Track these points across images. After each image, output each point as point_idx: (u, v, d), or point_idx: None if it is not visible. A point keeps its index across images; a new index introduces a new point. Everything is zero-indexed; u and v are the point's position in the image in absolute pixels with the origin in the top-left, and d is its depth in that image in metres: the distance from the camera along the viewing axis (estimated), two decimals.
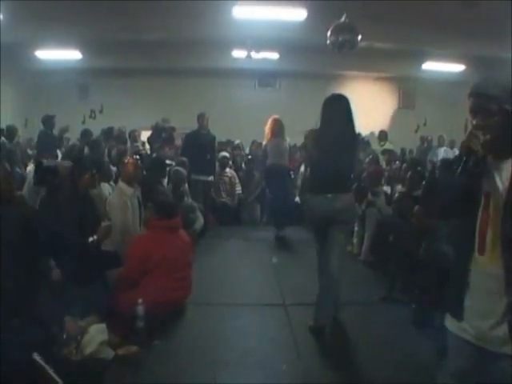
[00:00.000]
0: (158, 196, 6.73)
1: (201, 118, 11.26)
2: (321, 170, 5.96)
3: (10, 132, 12.39)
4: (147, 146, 13.56)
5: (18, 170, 9.26)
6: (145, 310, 5.28)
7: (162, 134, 13.04)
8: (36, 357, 3.81)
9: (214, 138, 11.48)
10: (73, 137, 13.85)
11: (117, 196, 6.95)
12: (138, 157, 7.72)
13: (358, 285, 7.50)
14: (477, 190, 3.13)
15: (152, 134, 13.65)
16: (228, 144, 15.20)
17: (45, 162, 6.64)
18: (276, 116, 10.16)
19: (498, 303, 2.97)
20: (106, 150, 11.09)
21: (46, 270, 5.23)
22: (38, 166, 6.46)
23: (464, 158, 3.16)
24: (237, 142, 15.43)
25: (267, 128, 10.03)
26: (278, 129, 10.15)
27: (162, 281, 5.67)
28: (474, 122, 3.11)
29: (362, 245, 8.97)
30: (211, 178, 11.17)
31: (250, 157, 13.60)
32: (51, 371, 3.81)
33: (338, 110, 6.15)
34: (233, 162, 13.32)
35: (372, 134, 15.52)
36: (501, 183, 3.05)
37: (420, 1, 10.77)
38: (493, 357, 2.99)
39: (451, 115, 18.38)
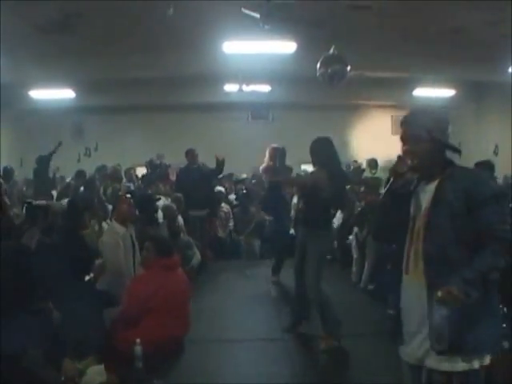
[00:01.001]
0: (155, 235, 6.71)
1: (189, 153, 11.30)
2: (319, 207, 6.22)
3: (7, 174, 12.45)
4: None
5: (14, 210, 9.26)
6: (143, 349, 5.25)
7: (156, 171, 13.08)
8: None
9: (209, 170, 11.48)
10: (68, 175, 13.88)
11: (109, 235, 6.93)
12: (129, 195, 7.70)
13: (357, 314, 7.51)
14: (406, 213, 3.41)
15: (146, 172, 13.69)
16: (229, 178, 15.26)
17: (34, 202, 6.63)
18: (274, 144, 10.13)
19: (423, 321, 3.19)
20: (102, 189, 11.12)
21: (47, 311, 5.20)
22: (28, 207, 6.44)
23: (391, 180, 3.43)
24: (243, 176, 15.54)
25: (266, 158, 10.02)
26: (280, 157, 10.07)
27: (161, 319, 5.65)
28: (404, 148, 3.42)
29: (362, 273, 8.99)
30: (206, 211, 11.11)
31: (245, 191, 13.61)
32: None
33: (335, 152, 6.51)
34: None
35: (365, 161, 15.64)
36: (424, 205, 3.31)
37: (407, 28, 10.87)
38: (428, 372, 3.23)
39: None
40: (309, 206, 6.57)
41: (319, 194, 6.23)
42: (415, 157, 3.37)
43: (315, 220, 6.41)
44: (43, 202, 6.75)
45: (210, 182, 11.53)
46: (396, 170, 3.42)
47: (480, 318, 3.12)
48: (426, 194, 3.34)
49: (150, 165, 13.65)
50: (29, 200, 6.90)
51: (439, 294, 3.03)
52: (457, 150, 3.43)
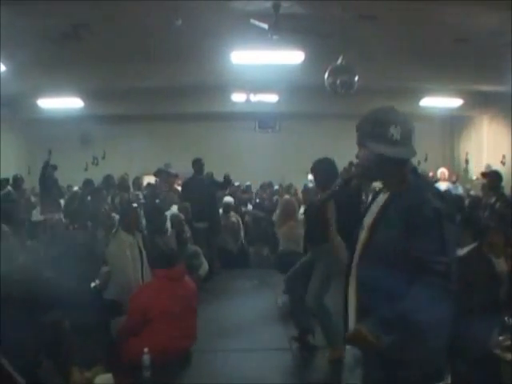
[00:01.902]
0: (158, 245, 6.73)
1: (196, 163, 11.28)
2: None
3: (16, 182, 12.52)
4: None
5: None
6: (151, 359, 5.26)
7: (165, 180, 13.08)
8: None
9: (215, 183, 11.48)
10: (75, 184, 13.92)
11: (116, 244, 6.95)
12: (135, 205, 7.73)
13: None
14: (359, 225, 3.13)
15: (155, 180, 13.69)
16: (238, 188, 15.28)
17: (34, 216, 6.67)
18: (287, 197, 9.91)
19: None
20: (110, 198, 11.14)
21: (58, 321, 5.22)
22: (28, 221, 6.47)
23: (337, 188, 3.30)
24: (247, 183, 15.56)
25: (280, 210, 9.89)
26: (292, 210, 9.88)
27: (164, 330, 5.65)
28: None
29: None
30: (207, 223, 11.02)
31: (257, 200, 13.60)
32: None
33: (337, 173, 6.30)
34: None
35: None
36: (370, 219, 3.04)
37: (414, 39, 10.89)
38: None
39: (452, 149, 18.52)
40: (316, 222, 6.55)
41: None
42: (357, 164, 3.20)
43: (322, 236, 6.40)
44: (40, 218, 6.78)
45: (214, 195, 11.50)
46: (341, 175, 3.28)
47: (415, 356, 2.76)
48: (377, 208, 3.06)
49: (158, 174, 13.62)
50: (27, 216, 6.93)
51: (348, 334, 2.81)
52: (397, 161, 3.00)
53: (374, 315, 2.69)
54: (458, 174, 15.59)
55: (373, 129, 3.03)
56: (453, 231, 2.83)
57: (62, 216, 7.00)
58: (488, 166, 14.82)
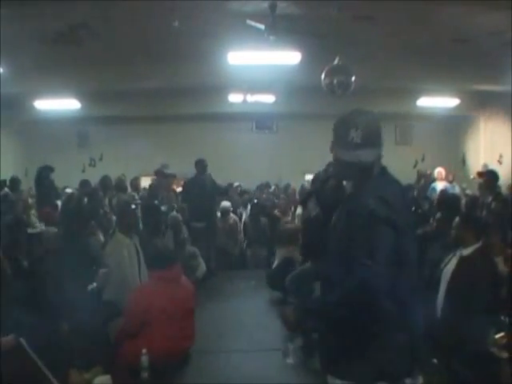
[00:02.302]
0: (155, 246, 6.72)
1: (198, 164, 11.31)
2: None
3: (14, 183, 12.51)
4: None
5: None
6: (149, 361, 5.26)
7: (164, 180, 13.10)
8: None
9: (215, 186, 11.50)
10: (73, 185, 13.91)
11: (113, 246, 6.94)
12: (134, 206, 7.73)
13: None
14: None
15: (155, 181, 13.70)
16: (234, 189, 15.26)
17: (28, 230, 6.63)
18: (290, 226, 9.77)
19: None
20: (107, 200, 11.13)
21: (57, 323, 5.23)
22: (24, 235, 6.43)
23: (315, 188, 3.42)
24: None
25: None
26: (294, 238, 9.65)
27: (162, 331, 5.64)
28: None
29: None
30: (204, 224, 11.04)
31: (256, 201, 13.60)
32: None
33: None
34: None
35: None
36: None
37: (411, 39, 10.91)
38: None
39: (449, 149, 18.52)
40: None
41: None
42: (333, 165, 3.32)
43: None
44: (37, 230, 6.76)
45: (214, 196, 11.53)
46: (321, 176, 3.37)
47: (357, 345, 2.92)
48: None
49: (158, 174, 13.61)
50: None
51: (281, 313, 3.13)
52: (358, 164, 3.05)
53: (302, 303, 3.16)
54: (455, 173, 15.57)
55: (336, 133, 3.13)
56: (390, 235, 2.85)
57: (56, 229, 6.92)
58: (485, 166, 14.83)
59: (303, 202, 9.29)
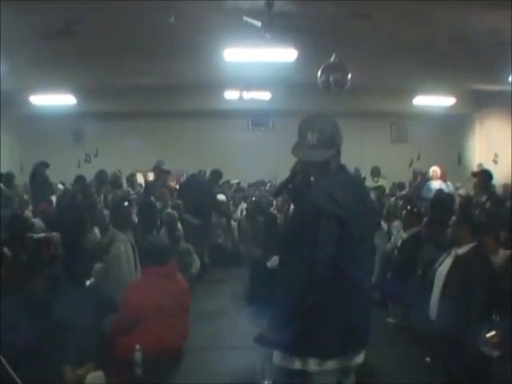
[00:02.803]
0: (149, 242, 6.72)
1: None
2: None
3: (8, 178, 12.47)
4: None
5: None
6: (143, 356, 5.26)
7: (162, 177, 13.12)
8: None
9: (210, 180, 11.57)
10: (67, 181, 13.89)
11: (109, 241, 6.94)
12: (127, 203, 7.73)
13: None
14: None
15: (154, 177, 13.72)
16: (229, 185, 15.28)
17: (35, 235, 6.60)
18: None
19: None
20: (102, 196, 11.12)
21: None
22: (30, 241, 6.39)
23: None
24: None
25: None
26: None
27: (156, 328, 5.64)
28: None
29: None
30: (201, 220, 11.04)
31: (253, 198, 13.59)
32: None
33: None
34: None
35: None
36: None
37: (408, 38, 10.90)
38: None
39: (444, 148, 18.53)
40: None
41: None
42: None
43: None
44: (44, 235, 6.72)
45: (212, 190, 11.58)
46: (292, 169, 3.63)
47: (311, 324, 3.30)
48: None
49: (157, 170, 13.61)
50: (31, 234, 6.87)
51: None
52: (314, 162, 3.52)
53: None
54: (444, 171, 15.55)
55: (298, 134, 3.57)
56: (334, 229, 3.19)
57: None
58: (480, 166, 14.86)
59: (276, 196, 9.60)
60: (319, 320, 3.31)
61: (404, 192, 13.07)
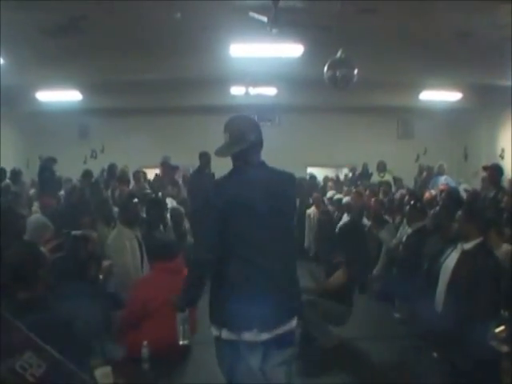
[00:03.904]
0: (157, 238, 6.73)
1: (203, 157, 11.32)
2: None
3: (15, 174, 12.50)
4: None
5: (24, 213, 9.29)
6: (151, 352, 5.27)
7: (170, 172, 13.13)
8: None
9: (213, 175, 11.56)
10: (74, 177, 13.92)
11: (116, 238, 6.95)
12: (136, 200, 7.73)
13: (363, 316, 7.53)
14: None
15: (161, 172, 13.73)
16: None
17: (73, 232, 6.59)
18: None
19: None
20: (110, 191, 11.13)
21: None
22: (67, 237, 6.40)
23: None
24: None
25: None
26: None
27: (164, 323, 5.63)
28: None
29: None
30: None
31: None
32: None
33: None
34: None
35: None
36: None
37: (415, 33, 10.89)
38: None
39: (451, 143, 18.50)
40: None
41: None
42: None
43: None
44: (83, 233, 6.71)
45: None
46: None
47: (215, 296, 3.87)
48: None
49: (165, 166, 13.61)
50: (67, 230, 6.87)
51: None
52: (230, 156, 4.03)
53: None
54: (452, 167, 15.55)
55: None
56: (213, 218, 3.74)
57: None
58: (488, 161, 14.82)
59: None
60: (220, 294, 3.81)
61: (404, 189, 13.06)
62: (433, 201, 9.73)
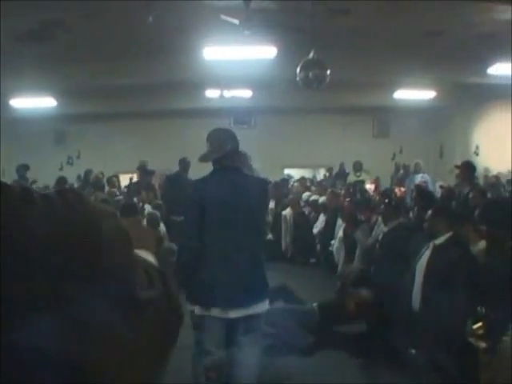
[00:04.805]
0: None
1: (182, 162, 11.30)
2: None
3: None
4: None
5: None
6: None
7: (146, 177, 13.09)
8: None
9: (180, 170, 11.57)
10: (51, 184, 13.82)
11: None
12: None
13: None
14: None
15: (139, 178, 13.67)
16: None
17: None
18: None
19: None
20: None
21: None
22: None
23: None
24: None
25: None
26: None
27: None
28: None
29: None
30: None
31: None
32: None
33: None
34: None
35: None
36: None
37: (386, 31, 10.94)
38: None
39: (426, 141, 18.62)
40: None
41: None
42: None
43: None
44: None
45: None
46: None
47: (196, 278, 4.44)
48: None
49: (142, 171, 13.55)
50: None
51: None
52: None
53: None
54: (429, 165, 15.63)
55: None
56: (193, 213, 4.51)
57: None
58: (463, 158, 14.91)
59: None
60: (196, 276, 4.40)
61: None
62: (403, 198, 9.78)
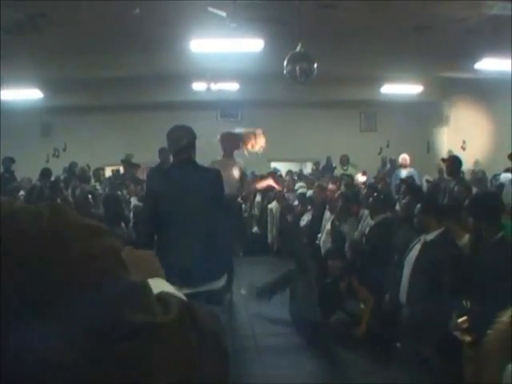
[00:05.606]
0: (115, 235, 6.66)
1: (162, 152, 11.23)
2: None
3: None
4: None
5: None
6: None
7: (131, 170, 13.04)
8: None
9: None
10: (35, 177, 13.75)
11: None
12: (90, 196, 7.71)
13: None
14: None
15: (124, 170, 13.62)
16: None
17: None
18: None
19: None
20: (70, 190, 11.02)
21: None
22: None
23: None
24: None
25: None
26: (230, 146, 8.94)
27: None
28: None
29: None
30: None
31: None
32: None
33: None
34: None
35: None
36: None
37: (374, 25, 10.93)
38: None
39: (413, 135, 18.67)
40: None
41: None
42: None
43: None
44: None
45: None
46: None
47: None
48: None
49: (127, 164, 13.51)
50: None
51: None
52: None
53: None
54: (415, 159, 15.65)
55: None
56: (148, 203, 5.15)
57: None
58: (450, 152, 14.97)
59: None
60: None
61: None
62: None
